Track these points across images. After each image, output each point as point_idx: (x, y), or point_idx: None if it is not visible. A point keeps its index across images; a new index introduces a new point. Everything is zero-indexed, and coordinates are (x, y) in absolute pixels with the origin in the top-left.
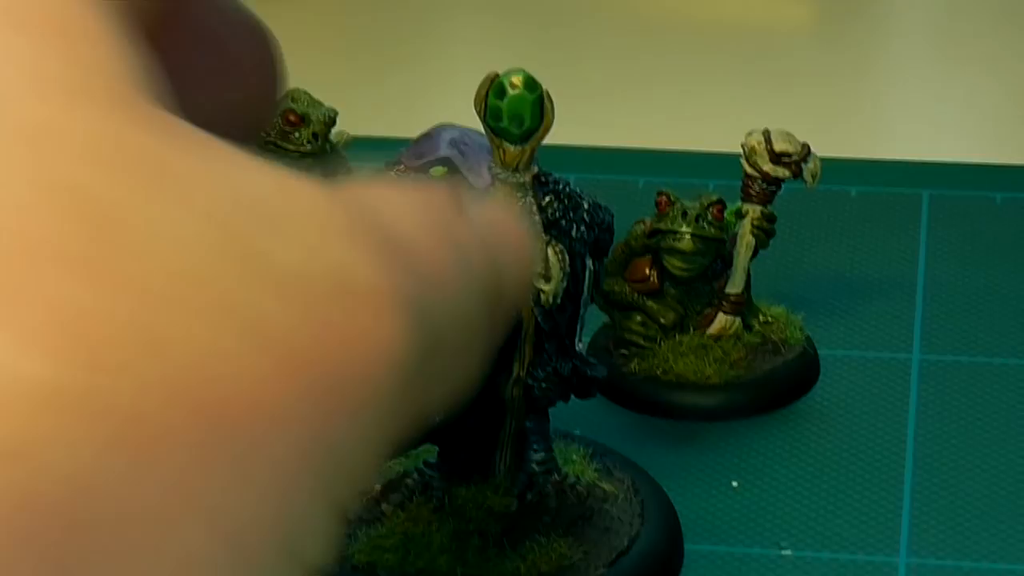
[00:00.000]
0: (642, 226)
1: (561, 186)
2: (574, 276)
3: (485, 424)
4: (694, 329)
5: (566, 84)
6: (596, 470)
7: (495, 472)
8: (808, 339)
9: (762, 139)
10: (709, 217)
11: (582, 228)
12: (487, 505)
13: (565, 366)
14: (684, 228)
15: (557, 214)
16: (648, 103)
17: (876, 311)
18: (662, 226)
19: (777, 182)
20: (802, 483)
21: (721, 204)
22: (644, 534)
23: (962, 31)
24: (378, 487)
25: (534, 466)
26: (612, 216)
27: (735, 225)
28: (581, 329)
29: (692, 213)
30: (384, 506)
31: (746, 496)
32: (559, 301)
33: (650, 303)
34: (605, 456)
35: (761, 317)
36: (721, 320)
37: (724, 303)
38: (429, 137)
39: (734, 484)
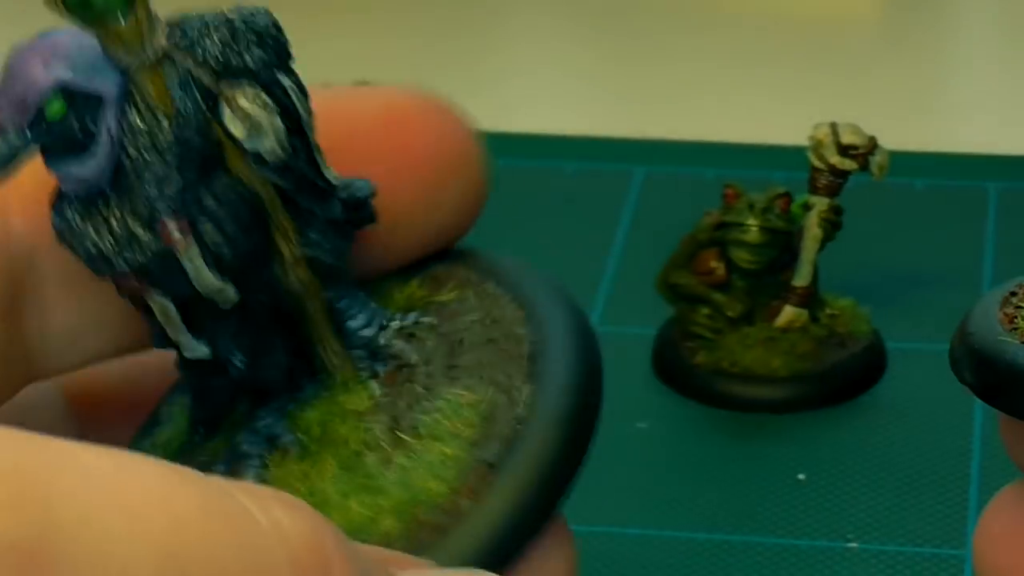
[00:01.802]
0: (709, 218)
1: (206, 25)
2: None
3: (286, 339)
4: (761, 322)
5: (632, 80)
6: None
7: (330, 373)
8: (875, 332)
9: (829, 132)
10: (776, 210)
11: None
12: (350, 411)
13: (333, 208)
14: (751, 221)
15: (230, 57)
16: (715, 96)
17: (943, 304)
18: (729, 218)
19: (844, 175)
20: (869, 476)
21: (788, 197)
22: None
23: None
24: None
25: (365, 333)
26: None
27: (802, 218)
28: (320, 154)
29: (759, 206)
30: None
31: (812, 489)
32: (287, 150)
33: (717, 296)
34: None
35: (828, 310)
36: (788, 313)
37: (791, 296)
38: (14, 75)
39: (800, 477)
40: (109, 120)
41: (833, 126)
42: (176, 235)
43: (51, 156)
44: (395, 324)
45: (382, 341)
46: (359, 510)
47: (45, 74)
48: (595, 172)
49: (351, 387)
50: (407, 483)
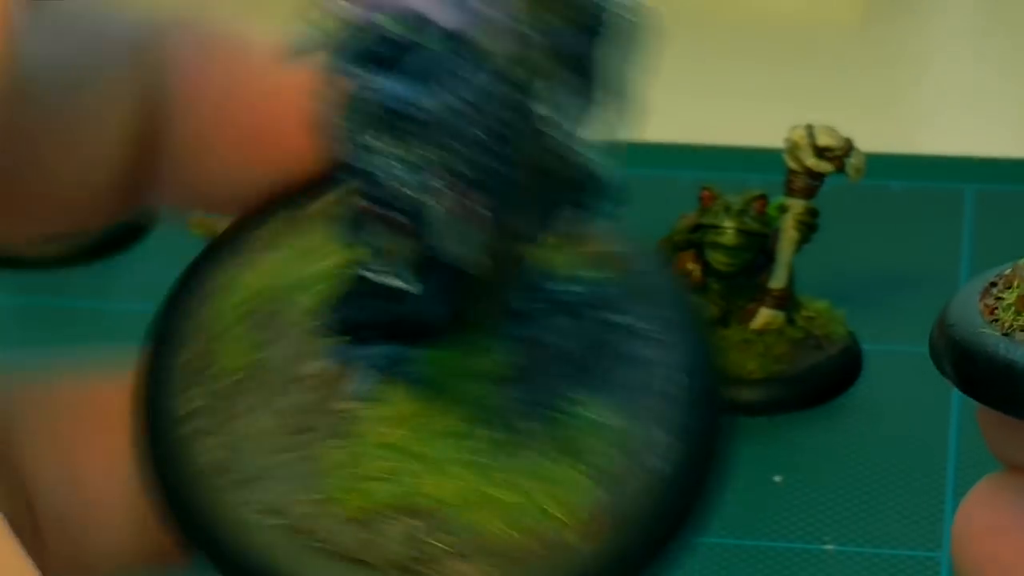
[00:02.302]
0: (685, 221)
1: None
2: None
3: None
4: (737, 324)
5: None
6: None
7: (473, 329)
8: (851, 334)
9: (805, 134)
10: (752, 212)
11: None
12: (477, 372)
13: None
14: (727, 223)
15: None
16: (691, 98)
17: (920, 306)
18: (705, 221)
19: (820, 177)
20: (845, 478)
21: (764, 199)
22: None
23: (1008, 25)
24: (317, 368)
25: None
26: None
27: (778, 220)
28: None
29: (735, 208)
30: (343, 403)
31: (789, 491)
32: None
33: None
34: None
35: (804, 312)
36: (764, 315)
37: (767, 298)
38: None
39: (776, 479)
40: (438, 54)
41: (809, 128)
42: (480, 212)
43: (361, 60)
44: (544, 291)
45: (527, 307)
46: (455, 484)
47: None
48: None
49: (485, 346)
50: (522, 489)
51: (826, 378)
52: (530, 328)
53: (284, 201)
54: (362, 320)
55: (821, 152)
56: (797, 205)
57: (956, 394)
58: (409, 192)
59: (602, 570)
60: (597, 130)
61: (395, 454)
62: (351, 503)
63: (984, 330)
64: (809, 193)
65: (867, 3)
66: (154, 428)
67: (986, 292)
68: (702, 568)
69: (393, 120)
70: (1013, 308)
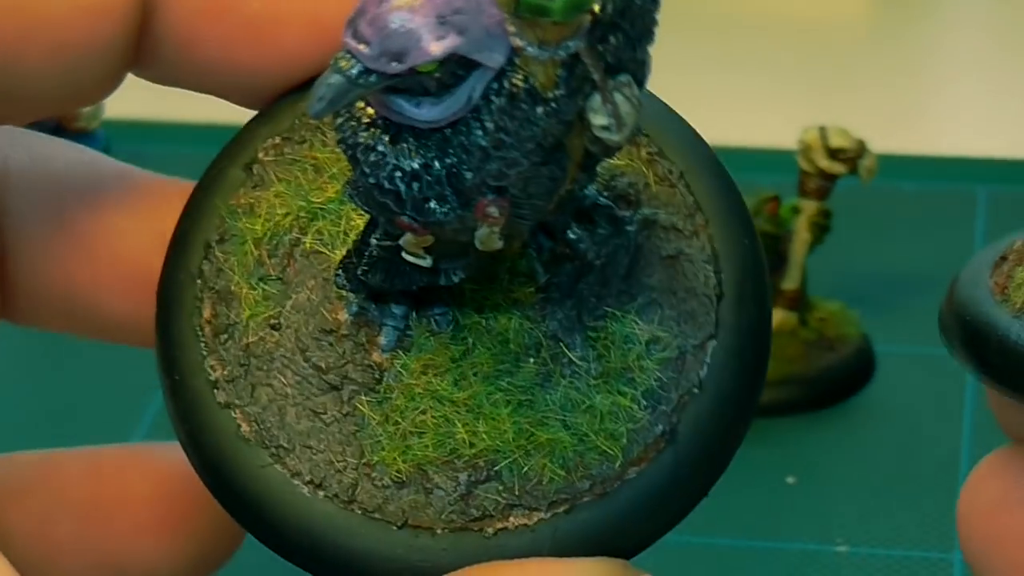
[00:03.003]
0: None
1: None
2: None
3: None
4: None
5: None
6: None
7: (502, 257)
8: (864, 335)
9: (818, 135)
10: (765, 213)
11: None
12: (512, 299)
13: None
14: None
15: (623, 51)
16: (703, 100)
17: (933, 307)
18: None
19: (833, 178)
20: (858, 479)
21: (777, 200)
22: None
23: (1020, 23)
24: (344, 319)
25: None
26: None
27: (791, 221)
28: None
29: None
30: (375, 356)
31: (802, 492)
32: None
33: None
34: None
35: (817, 313)
36: (777, 316)
37: (780, 299)
38: (395, 28)
39: (790, 480)
40: (476, 86)
41: (822, 130)
42: (494, 214)
43: (387, 89)
44: (574, 200)
45: (556, 220)
46: (500, 429)
47: (437, 45)
48: None
49: (516, 266)
50: (574, 427)
51: (839, 379)
52: (561, 240)
53: (281, 105)
54: (385, 286)
55: (834, 153)
56: (810, 206)
57: (970, 395)
58: (417, 197)
59: (655, 497)
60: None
61: (435, 403)
62: (395, 464)
63: (995, 311)
64: (822, 194)
65: (879, 3)
66: (186, 399)
67: (997, 267)
68: (714, 570)
69: (404, 131)
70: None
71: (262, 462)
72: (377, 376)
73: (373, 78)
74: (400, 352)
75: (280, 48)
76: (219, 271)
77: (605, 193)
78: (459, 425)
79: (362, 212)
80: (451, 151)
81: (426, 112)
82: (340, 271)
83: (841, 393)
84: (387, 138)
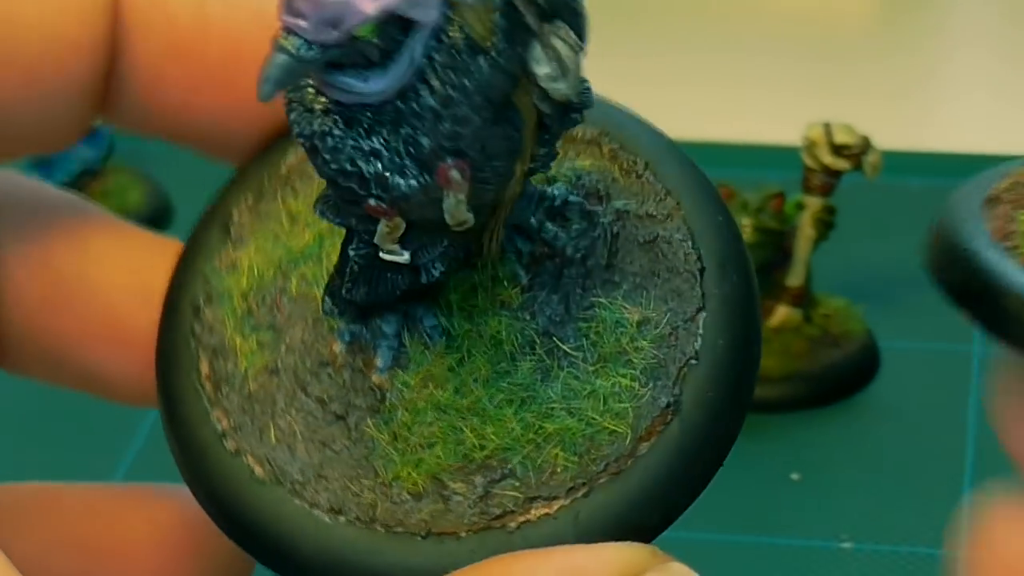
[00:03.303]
0: None
1: None
2: None
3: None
4: None
5: (623, 80)
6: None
7: (483, 260)
8: (869, 331)
9: (823, 132)
10: (769, 209)
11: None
12: (498, 301)
13: (573, 121)
14: (745, 220)
15: None
16: (709, 95)
17: (937, 303)
18: None
19: (837, 174)
20: (862, 475)
21: (781, 196)
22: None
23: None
24: (339, 350)
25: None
26: None
27: (795, 217)
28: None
29: (752, 205)
30: (375, 379)
31: (806, 488)
32: (578, 87)
33: None
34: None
35: (821, 309)
36: (782, 312)
37: (785, 295)
38: None
39: (794, 476)
40: (416, 46)
41: (826, 126)
42: (456, 178)
43: (332, 67)
44: (545, 200)
45: (533, 221)
46: (507, 428)
47: (371, 4)
48: None
49: (498, 272)
50: (579, 413)
51: (843, 376)
52: (538, 240)
53: (249, 167)
54: (370, 298)
55: (838, 150)
56: (814, 203)
57: (974, 391)
58: (379, 173)
59: (670, 469)
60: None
61: (440, 414)
62: (410, 478)
63: (1005, 265)
64: (826, 191)
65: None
66: (196, 453)
67: (990, 207)
68: (719, 566)
69: (345, 111)
70: None
71: (280, 499)
72: (379, 397)
73: (315, 50)
74: (398, 370)
75: (240, 92)
76: (211, 329)
77: (575, 192)
78: (467, 431)
79: (339, 243)
80: (404, 120)
81: (374, 84)
82: (326, 297)
83: (845, 389)
84: (341, 121)
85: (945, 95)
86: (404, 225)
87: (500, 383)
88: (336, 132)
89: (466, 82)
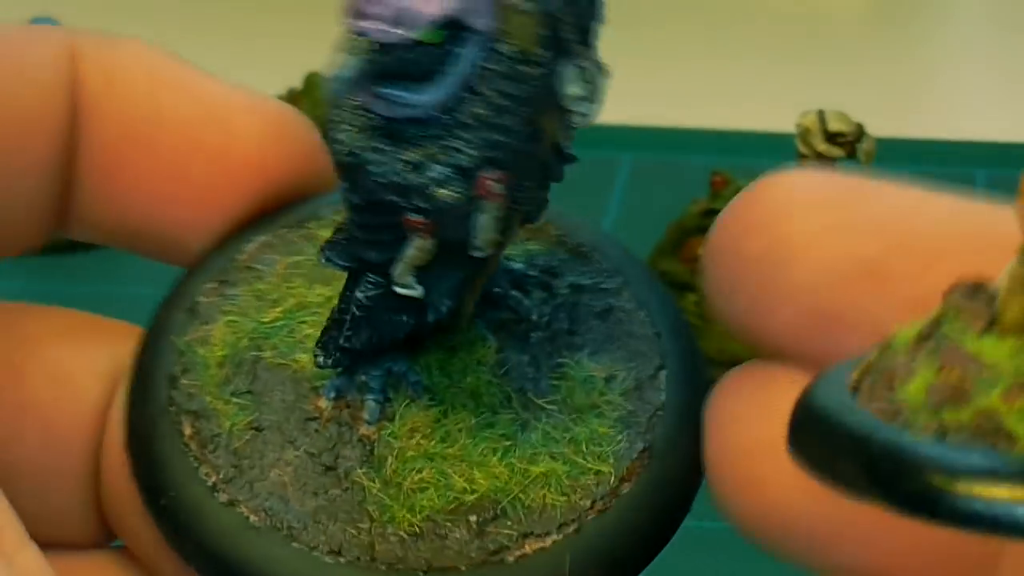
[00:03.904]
0: (697, 206)
1: None
2: None
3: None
4: None
5: (618, 64)
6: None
7: (456, 322)
8: None
9: (816, 119)
10: None
11: None
12: (473, 360)
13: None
14: None
15: (588, 15)
16: (703, 83)
17: None
18: (717, 206)
19: (831, 162)
20: None
21: None
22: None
23: (1019, 7)
24: (324, 405)
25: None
26: None
27: None
28: None
29: None
30: (362, 430)
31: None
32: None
33: None
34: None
35: None
36: None
37: None
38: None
39: None
40: (468, 55)
41: (820, 113)
42: (495, 189)
43: (381, 78)
44: (508, 273)
45: (497, 289)
46: (496, 472)
47: (436, 4)
48: (582, 159)
49: (470, 334)
50: (562, 457)
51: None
52: (506, 309)
53: (207, 259)
54: (372, 342)
55: (832, 137)
56: None
57: None
58: (423, 185)
59: (652, 505)
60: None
61: (428, 461)
62: (405, 519)
63: (912, 436)
64: None
65: None
66: (187, 509)
67: (862, 392)
68: (717, 554)
69: (403, 125)
70: (927, 401)
71: (279, 543)
72: (368, 448)
73: (383, 52)
74: (385, 422)
75: (193, 183)
76: (190, 395)
77: (531, 268)
78: (455, 476)
79: (313, 318)
80: (448, 132)
81: (425, 96)
82: (319, 351)
83: None
84: (386, 136)
85: (939, 83)
86: (434, 249)
87: (483, 433)
88: (382, 147)
89: (515, 91)
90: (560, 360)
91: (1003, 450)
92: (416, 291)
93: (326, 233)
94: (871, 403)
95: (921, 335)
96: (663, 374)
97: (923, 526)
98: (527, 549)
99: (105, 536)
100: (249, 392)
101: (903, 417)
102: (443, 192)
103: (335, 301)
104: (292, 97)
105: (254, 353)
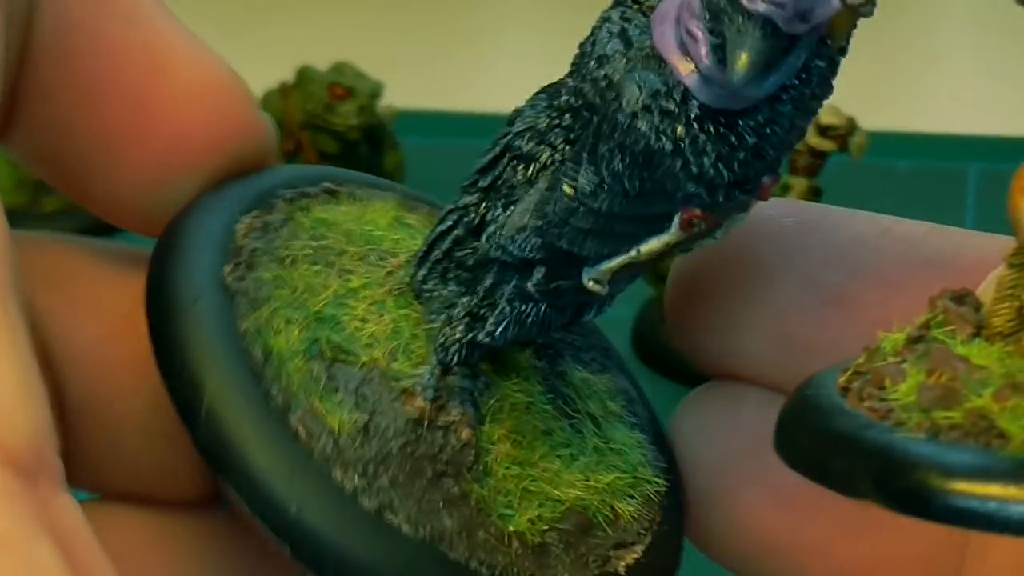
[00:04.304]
0: None
1: None
2: None
3: None
4: None
5: None
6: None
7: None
8: None
9: None
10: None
11: None
12: (514, 364)
13: None
14: None
15: None
16: None
17: None
18: None
19: (823, 155)
20: None
21: None
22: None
23: (1010, 3)
24: (423, 405)
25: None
26: None
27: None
28: None
29: None
30: (464, 434)
31: None
32: None
33: None
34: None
35: None
36: None
37: None
38: None
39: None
40: (801, 53)
41: None
42: (770, 190)
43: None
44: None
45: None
46: (578, 479)
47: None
48: None
49: (522, 369)
50: (617, 466)
51: None
52: (544, 357)
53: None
54: (519, 337)
55: (824, 130)
56: (800, 183)
57: None
58: (741, 179)
59: (679, 510)
60: None
61: (521, 469)
62: (528, 530)
63: (904, 434)
64: (812, 171)
65: None
66: (332, 516)
67: (852, 394)
68: None
69: (719, 116)
70: (918, 401)
71: (433, 558)
72: (474, 454)
73: (783, 39)
74: (480, 427)
75: (130, 135)
76: (283, 390)
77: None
78: (546, 484)
79: (349, 311)
80: (758, 129)
81: (771, 83)
82: (445, 349)
83: None
84: (703, 126)
85: (931, 77)
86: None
87: (547, 439)
88: (701, 137)
89: (826, 91)
90: (560, 368)
91: (996, 449)
92: (604, 288)
93: (305, 217)
94: (862, 403)
95: (910, 339)
96: (641, 412)
97: (889, 536)
98: (628, 559)
99: (215, 494)
100: (336, 389)
101: (895, 416)
102: (766, 186)
103: (363, 292)
104: (284, 90)
105: (318, 346)
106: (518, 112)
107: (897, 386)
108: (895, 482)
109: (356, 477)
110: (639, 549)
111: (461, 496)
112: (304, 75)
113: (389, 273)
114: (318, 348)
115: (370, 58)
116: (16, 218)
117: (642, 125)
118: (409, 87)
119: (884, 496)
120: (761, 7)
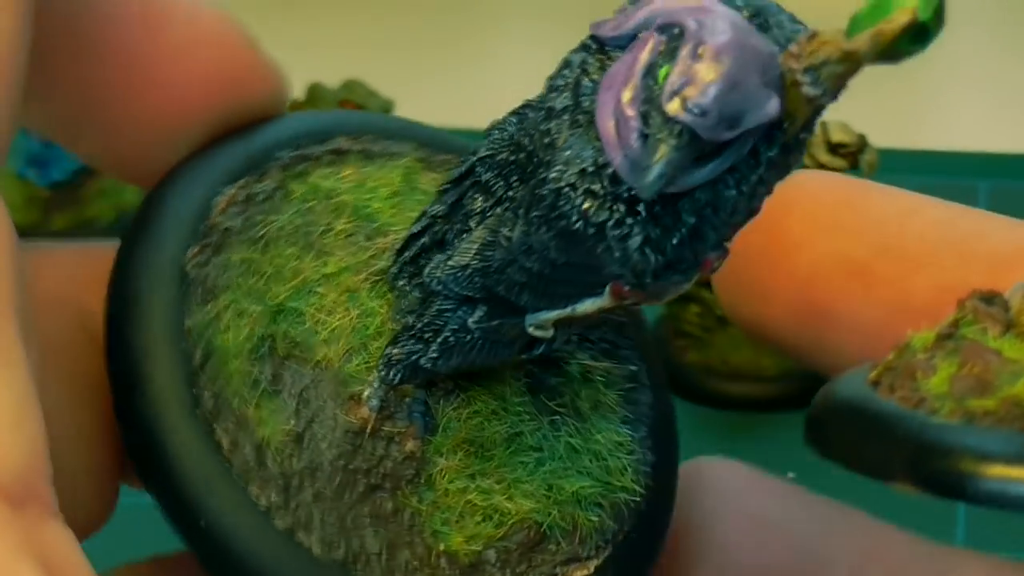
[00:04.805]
0: None
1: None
2: None
3: None
4: None
5: None
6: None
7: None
8: None
9: (818, 130)
10: None
11: None
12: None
13: None
14: None
15: None
16: None
17: None
18: None
19: (834, 173)
20: (858, 475)
21: None
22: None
23: (1021, 19)
24: (366, 416)
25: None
26: None
27: None
28: None
29: None
30: (409, 446)
31: (802, 487)
32: None
33: (707, 293)
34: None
35: None
36: None
37: None
38: (724, 91)
39: (790, 475)
40: (749, 139)
41: (822, 124)
42: (716, 267)
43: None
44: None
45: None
46: (539, 489)
47: (772, 104)
48: None
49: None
50: (585, 472)
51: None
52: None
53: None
54: (462, 366)
55: (834, 148)
56: None
57: None
58: (666, 264)
59: (659, 513)
60: None
61: (472, 481)
62: (462, 548)
63: (939, 420)
64: None
65: None
66: (241, 533)
67: (883, 386)
68: None
69: (654, 201)
70: (951, 391)
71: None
72: (416, 466)
73: (699, 147)
74: (428, 437)
75: (127, 87)
76: (216, 396)
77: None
78: (498, 496)
79: (316, 300)
80: (698, 211)
81: (706, 172)
82: (388, 366)
83: None
84: (632, 208)
85: (942, 94)
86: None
87: (513, 444)
88: (628, 220)
89: (776, 178)
90: (556, 355)
91: None
92: (549, 333)
93: (299, 185)
94: (893, 394)
95: (940, 336)
96: (646, 401)
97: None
98: (577, 573)
99: None
100: (277, 393)
101: (927, 405)
102: (674, 275)
103: (338, 279)
104: (295, 108)
105: (269, 344)
106: (491, 127)
107: (928, 378)
108: (930, 466)
109: (273, 494)
110: (592, 565)
111: (393, 512)
112: (315, 92)
113: (372, 256)
114: (270, 345)
115: (380, 76)
116: (26, 236)
117: (564, 204)
118: (419, 104)
119: (919, 480)
120: (681, 115)
